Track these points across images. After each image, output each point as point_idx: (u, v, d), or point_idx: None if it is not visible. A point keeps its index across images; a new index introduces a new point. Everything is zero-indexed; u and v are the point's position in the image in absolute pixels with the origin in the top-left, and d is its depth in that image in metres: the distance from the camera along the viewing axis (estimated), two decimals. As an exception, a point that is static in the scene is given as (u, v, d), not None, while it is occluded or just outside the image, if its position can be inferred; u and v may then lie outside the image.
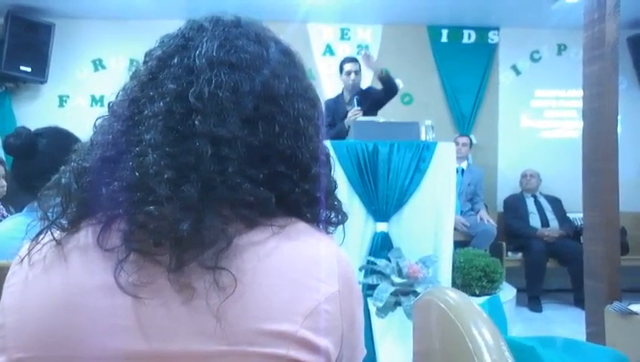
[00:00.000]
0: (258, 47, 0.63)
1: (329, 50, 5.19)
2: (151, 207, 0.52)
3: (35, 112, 4.91)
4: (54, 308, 0.53)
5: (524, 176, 4.95)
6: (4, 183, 2.87)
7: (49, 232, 0.57)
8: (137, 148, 0.55)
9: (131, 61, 5.02)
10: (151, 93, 0.58)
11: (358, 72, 3.99)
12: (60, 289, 0.54)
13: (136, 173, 0.53)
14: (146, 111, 0.57)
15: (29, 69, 4.76)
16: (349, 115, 3.72)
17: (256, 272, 0.53)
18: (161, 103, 0.57)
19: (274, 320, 0.51)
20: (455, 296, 0.69)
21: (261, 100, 0.59)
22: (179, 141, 0.55)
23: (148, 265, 0.53)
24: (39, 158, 1.40)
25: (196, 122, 0.55)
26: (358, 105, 3.71)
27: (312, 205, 0.63)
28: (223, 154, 0.55)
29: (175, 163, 0.54)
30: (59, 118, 4.47)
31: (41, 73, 4.83)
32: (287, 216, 0.59)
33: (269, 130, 0.59)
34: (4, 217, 2.71)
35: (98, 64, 5.11)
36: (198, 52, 0.60)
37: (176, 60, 0.60)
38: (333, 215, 0.66)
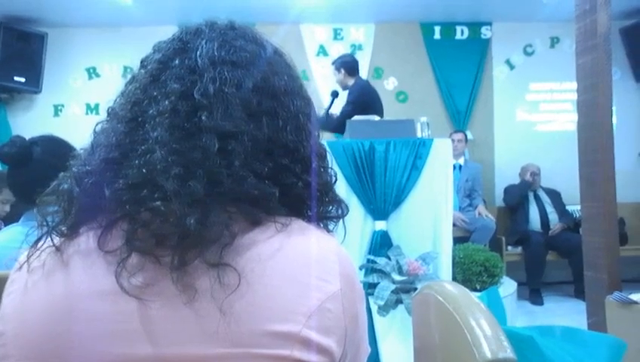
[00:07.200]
0: (255, 46, 0.65)
1: (322, 51, 5.19)
2: (157, 203, 0.52)
3: (31, 122, 4.91)
4: (55, 315, 0.52)
5: (529, 173, 4.77)
6: (8, 209, 2.88)
7: (48, 238, 0.57)
8: (143, 147, 0.55)
9: (125, 68, 5.02)
10: (154, 94, 0.59)
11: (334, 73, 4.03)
12: (60, 295, 0.53)
13: (143, 170, 0.53)
14: (150, 111, 0.57)
15: (23, 80, 4.75)
16: None
17: (260, 272, 0.52)
18: (166, 102, 0.57)
19: (277, 321, 0.51)
20: (452, 288, 0.70)
21: (263, 96, 0.61)
22: (185, 138, 0.55)
23: (150, 266, 0.52)
24: (34, 166, 1.40)
25: (203, 118, 0.56)
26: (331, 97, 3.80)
27: (313, 198, 0.63)
28: (230, 149, 0.55)
29: (182, 159, 0.54)
30: (54, 128, 4.47)
31: (35, 83, 4.83)
32: (289, 214, 0.60)
33: (273, 124, 0.60)
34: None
35: (92, 72, 5.11)
36: (198, 53, 0.61)
37: (177, 62, 0.61)
38: (334, 208, 0.67)
